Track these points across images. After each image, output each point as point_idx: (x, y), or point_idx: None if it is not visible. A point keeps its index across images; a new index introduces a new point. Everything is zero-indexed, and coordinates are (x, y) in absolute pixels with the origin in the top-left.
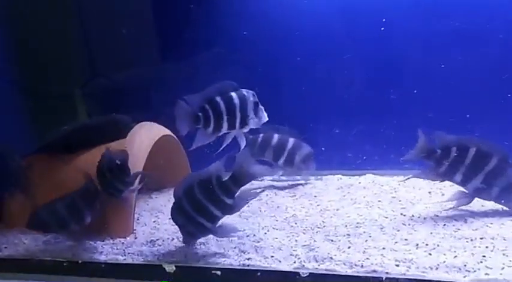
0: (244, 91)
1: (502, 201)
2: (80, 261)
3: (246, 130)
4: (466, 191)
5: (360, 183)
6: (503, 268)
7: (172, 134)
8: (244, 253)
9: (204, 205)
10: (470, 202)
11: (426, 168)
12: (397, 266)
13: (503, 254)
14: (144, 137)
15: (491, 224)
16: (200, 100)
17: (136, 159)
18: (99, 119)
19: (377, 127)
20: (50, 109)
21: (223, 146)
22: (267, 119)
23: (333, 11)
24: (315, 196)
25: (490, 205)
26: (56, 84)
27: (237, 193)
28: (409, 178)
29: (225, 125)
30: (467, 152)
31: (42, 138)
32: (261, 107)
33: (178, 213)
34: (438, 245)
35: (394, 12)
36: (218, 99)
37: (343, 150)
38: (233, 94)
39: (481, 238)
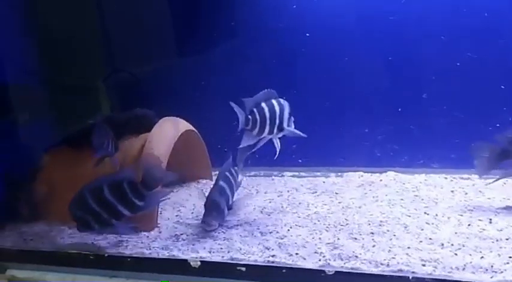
0: (282, 100)
1: None
2: (106, 255)
3: (280, 135)
4: None
5: (381, 180)
6: None
7: (194, 129)
8: (268, 250)
9: (109, 203)
10: None
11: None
12: (424, 265)
13: None
14: (168, 132)
15: None
16: (251, 105)
17: (159, 153)
18: (123, 113)
19: (401, 125)
20: (73, 103)
21: (256, 148)
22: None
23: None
24: (336, 193)
25: None
26: (78, 78)
27: (148, 195)
28: (497, 180)
29: (267, 129)
30: None
31: (66, 131)
32: (292, 117)
33: (76, 206)
34: (464, 245)
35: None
36: (264, 105)
37: (367, 147)
38: (274, 102)
39: (507, 239)
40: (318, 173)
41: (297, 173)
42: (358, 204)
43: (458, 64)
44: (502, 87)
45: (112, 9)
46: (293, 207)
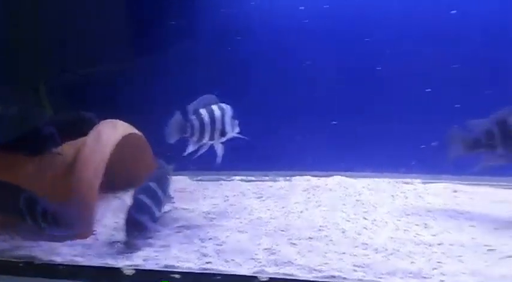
0: (223, 105)
1: None
2: (36, 262)
3: (222, 140)
4: None
5: (326, 185)
6: (457, 275)
7: (139, 132)
8: (205, 256)
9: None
10: None
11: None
12: (355, 271)
13: (459, 261)
14: (106, 135)
15: (451, 229)
16: (189, 111)
17: (98, 157)
18: (64, 115)
19: (349, 129)
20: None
21: (198, 154)
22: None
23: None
24: (282, 198)
25: (452, 210)
26: (22, 79)
27: None
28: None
29: (207, 135)
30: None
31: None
32: (236, 120)
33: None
34: (397, 250)
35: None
36: (203, 111)
37: (315, 151)
38: (215, 107)
39: (439, 244)
40: (267, 177)
41: (245, 177)
42: (301, 209)
43: (400, 68)
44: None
45: (56, 9)
46: (237, 212)
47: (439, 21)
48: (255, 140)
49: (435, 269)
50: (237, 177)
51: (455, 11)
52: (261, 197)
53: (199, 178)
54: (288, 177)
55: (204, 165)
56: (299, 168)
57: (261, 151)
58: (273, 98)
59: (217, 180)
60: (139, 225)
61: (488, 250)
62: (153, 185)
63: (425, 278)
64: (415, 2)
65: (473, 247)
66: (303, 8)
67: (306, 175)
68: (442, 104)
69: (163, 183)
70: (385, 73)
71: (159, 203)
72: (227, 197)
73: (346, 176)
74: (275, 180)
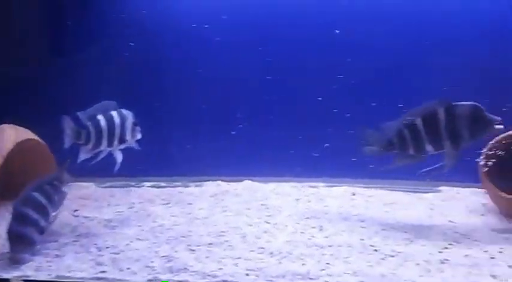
0: (124, 111)
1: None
2: None
3: (122, 147)
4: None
5: (235, 189)
6: (341, 276)
7: (36, 138)
8: (100, 265)
9: None
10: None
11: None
12: (247, 275)
13: (345, 262)
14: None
15: (343, 231)
16: (85, 118)
17: None
18: None
19: (262, 134)
20: None
21: (95, 160)
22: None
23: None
24: (189, 204)
25: (347, 212)
26: None
27: None
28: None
29: (105, 142)
30: (416, 125)
31: None
32: (138, 127)
33: None
34: (291, 253)
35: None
36: (100, 117)
37: (227, 156)
38: (114, 113)
39: (330, 245)
40: (178, 183)
41: (156, 183)
42: (206, 215)
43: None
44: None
45: None
46: (140, 219)
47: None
48: (165, 146)
49: (323, 270)
50: (148, 184)
51: (338, 31)
52: (168, 203)
53: (108, 185)
54: (199, 183)
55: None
56: (211, 173)
57: (174, 157)
58: (182, 104)
59: (127, 186)
60: (22, 239)
61: (374, 250)
62: (35, 194)
63: (312, 279)
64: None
65: (360, 248)
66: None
67: (218, 180)
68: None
69: (49, 191)
70: (288, 79)
71: (44, 213)
72: (133, 204)
73: (256, 181)
74: (186, 186)
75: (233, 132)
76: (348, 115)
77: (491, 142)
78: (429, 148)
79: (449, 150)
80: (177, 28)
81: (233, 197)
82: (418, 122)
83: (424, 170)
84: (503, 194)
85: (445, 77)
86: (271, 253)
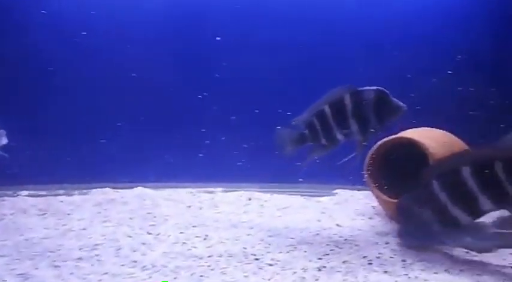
0: None
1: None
2: None
3: None
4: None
5: (122, 197)
6: None
7: None
8: None
9: None
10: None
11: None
12: None
13: (222, 273)
14: None
15: (228, 240)
16: None
17: None
18: None
19: (160, 139)
20: None
21: None
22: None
23: None
24: (68, 214)
25: (238, 219)
26: None
27: None
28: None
29: None
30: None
31: None
32: (3, 130)
33: None
34: (165, 266)
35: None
36: None
37: (118, 161)
38: None
39: (209, 256)
40: (61, 191)
41: (35, 192)
42: (84, 226)
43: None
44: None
45: None
46: (6, 233)
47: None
48: (47, 152)
49: None
50: (25, 192)
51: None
52: (44, 214)
53: None
54: (85, 191)
55: None
56: (99, 180)
57: (57, 163)
58: (63, 105)
59: (1, 196)
60: None
61: (254, 259)
62: None
63: None
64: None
65: (241, 257)
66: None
67: (107, 187)
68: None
69: None
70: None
71: None
72: (4, 215)
73: (150, 187)
74: (70, 195)
75: (115, 137)
76: (246, 117)
77: (375, 145)
78: (340, 136)
79: (359, 136)
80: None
81: (119, 205)
82: (326, 109)
83: (340, 162)
84: (386, 197)
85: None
86: (144, 267)
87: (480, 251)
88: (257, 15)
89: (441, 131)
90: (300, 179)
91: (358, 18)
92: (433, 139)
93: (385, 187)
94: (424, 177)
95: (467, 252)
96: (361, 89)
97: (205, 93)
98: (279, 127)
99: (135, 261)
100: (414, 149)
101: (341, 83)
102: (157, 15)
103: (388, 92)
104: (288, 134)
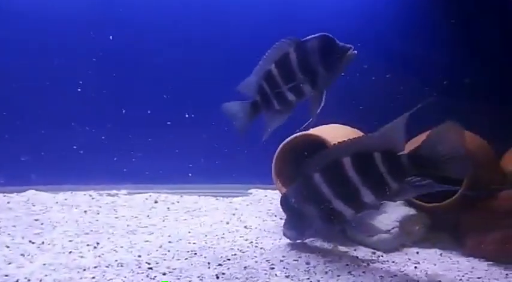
0: None
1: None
2: None
3: None
4: None
5: (8, 203)
6: None
7: None
8: None
9: None
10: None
11: None
12: None
13: None
14: None
15: (122, 247)
16: None
17: None
18: None
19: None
20: None
21: None
22: None
23: None
24: None
25: (137, 223)
26: None
27: None
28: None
29: None
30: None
31: None
32: None
33: None
34: (40, 280)
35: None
36: None
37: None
38: None
39: (96, 267)
40: None
41: None
42: None
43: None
44: None
45: None
46: None
47: None
48: None
49: None
50: None
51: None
52: None
53: None
54: None
55: None
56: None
57: None
58: None
59: None
60: None
61: (148, 268)
62: None
63: None
64: None
65: (133, 266)
66: None
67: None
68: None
69: None
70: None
71: None
72: None
73: (43, 190)
74: None
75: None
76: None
77: (282, 143)
78: (291, 97)
79: (312, 93)
80: None
81: (5, 211)
82: (273, 69)
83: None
84: None
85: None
86: (18, 280)
87: (386, 251)
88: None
89: (350, 128)
90: (189, 174)
91: (280, 17)
92: (339, 136)
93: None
94: (305, 169)
95: (373, 253)
96: (305, 39)
97: (104, 91)
98: (225, 102)
99: (7, 276)
100: (321, 146)
101: None
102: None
103: (332, 36)
104: (238, 107)
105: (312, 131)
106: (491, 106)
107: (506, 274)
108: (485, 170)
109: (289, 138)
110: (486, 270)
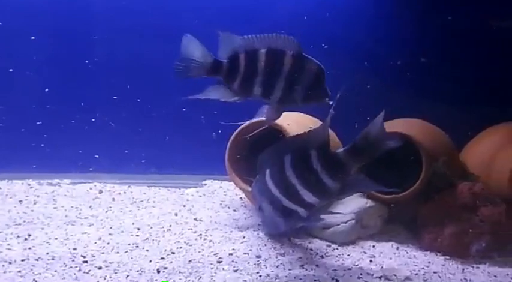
0: None
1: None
2: None
3: None
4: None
5: None
6: None
7: None
8: None
9: None
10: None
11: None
12: None
13: (34, 280)
14: None
15: (57, 239)
16: None
17: None
18: None
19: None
20: None
21: None
22: None
23: None
24: None
25: (78, 214)
26: None
27: None
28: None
29: None
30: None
31: None
32: None
33: None
34: None
35: None
36: None
37: None
38: None
39: (24, 260)
40: None
41: None
42: None
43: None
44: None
45: None
46: None
47: None
48: None
49: None
50: None
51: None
52: None
53: None
54: None
55: None
56: None
57: None
58: None
59: None
60: None
61: (83, 262)
62: None
63: None
64: None
65: (67, 260)
66: None
67: None
68: None
69: None
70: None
71: None
72: None
73: None
74: None
75: None
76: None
77: (234, 133)
78: (257, 90)
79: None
80: None
81: None
82: (262, 52)
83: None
84: (245, 186)
85: None
86: None
87: (341, 244)
88: None
89: (304, 114)
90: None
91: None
92: (293, 122)
93: (246, 177)
94: (258, 166)
95: (328, 246)
96: (307, 56)
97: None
98: (187, 34)
99: None
100: (275, 132)
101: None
102: None
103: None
104: (199, 51)
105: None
106: (453, 98)
107: (463, 269)
108: (445, 163)
109: (242, 126)
110: (443, 265)
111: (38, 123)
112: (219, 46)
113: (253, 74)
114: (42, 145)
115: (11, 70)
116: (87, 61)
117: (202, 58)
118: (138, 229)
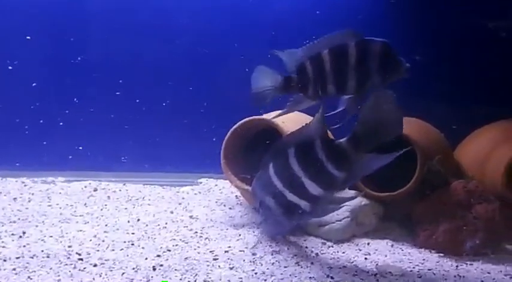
0: None
1: None
2: None
3: None
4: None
5: None
6: None
7: None
8: None
9: None
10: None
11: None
12: None
13: (28, 277)
14: None
15: (51, 237)
16: None
17: None
18: None
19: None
20: None
21: None
22: None
23: None
24: None
25: (73, 212)
26: None
27: None
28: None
29: None
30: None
31: None
32: None
33: None
34: None
35: None
36: None
37: None
38: None
39: (18, 257)
40: None
41: None
42: None
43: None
44: None
45: None
46: None
47: None
48: None
49: None
50: None
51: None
52: None
53: None
54: None
55: None
56: None
57: None
58: None
59: None
60: None
61: (78, 259)
62: None
63: None
64: None
65: (62, 257)
66: None
67: None
68: None
69: None
70: None
71: None
72: None
73: None
74: None
75: None
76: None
77: (231, 129)
78: (332, 89)
79: (355, 93)
80: None
81: None
82: (325, 54)
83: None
84: (240, 184)
85: None
86: None
87: (336, 241)
88: None
89: (304, 114)
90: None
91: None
92: (289, 120)
93: (242, 175)
94: (262, 160)
95: (323, 243)
96: (368, 39)
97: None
98: (260, 65)
99: None
100: (272, 130)
101: None
102: None
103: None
104: (269, 75)
105: (264, 116)
106: (447, 96)
107: (457, 266)
108: (439, 161)
109: (238, 123)
110: (437, 262)
111: (32, 121)
112: (284, 65)
113: (322, 76)
114: (37, 143)
115: (5, 68)
116: (80, 58)
117: (273, 82)
118: (134, 227)
